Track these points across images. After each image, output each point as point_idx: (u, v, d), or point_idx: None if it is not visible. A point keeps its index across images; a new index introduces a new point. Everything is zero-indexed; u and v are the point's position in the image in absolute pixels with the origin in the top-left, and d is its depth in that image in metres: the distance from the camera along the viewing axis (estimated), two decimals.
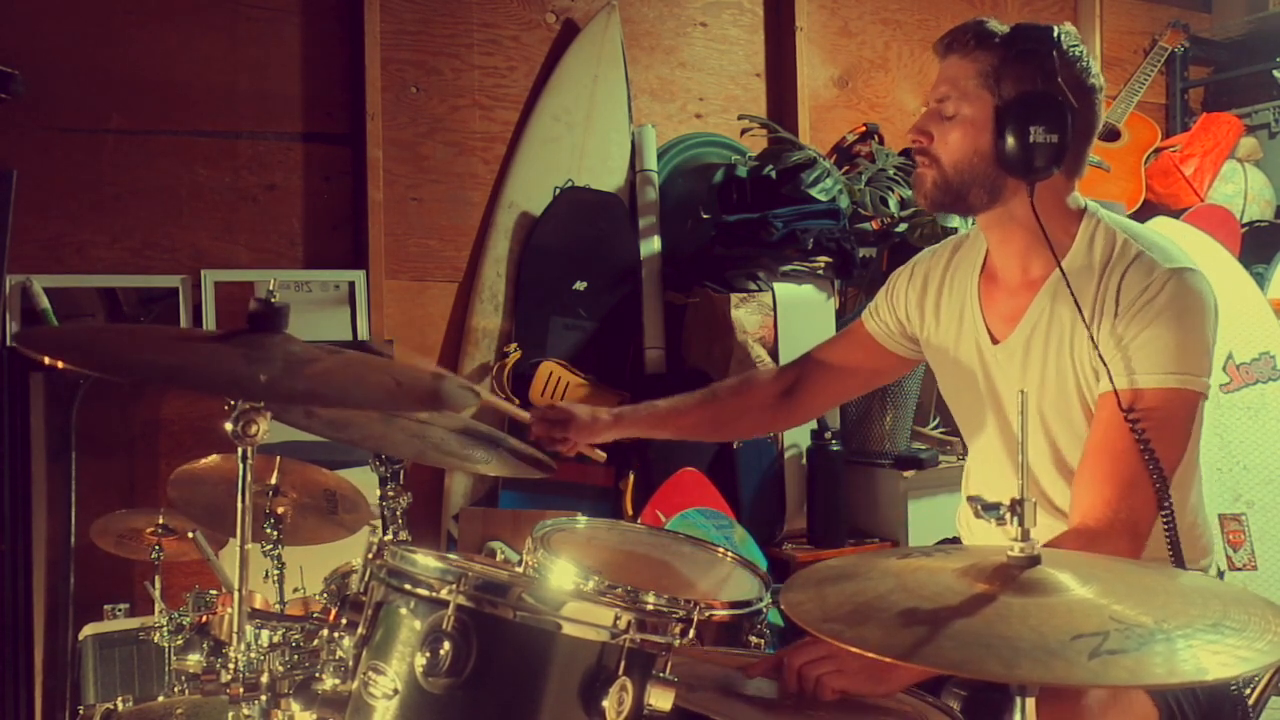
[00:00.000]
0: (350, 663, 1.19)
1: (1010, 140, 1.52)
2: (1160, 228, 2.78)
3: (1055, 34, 1.57)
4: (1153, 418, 1.45)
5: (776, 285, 3.06)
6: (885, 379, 2.08)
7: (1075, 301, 1.53)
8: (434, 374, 1.51)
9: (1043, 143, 1.51)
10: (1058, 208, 1.60)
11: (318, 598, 2.09)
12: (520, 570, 1.48)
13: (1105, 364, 1.49)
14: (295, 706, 1.28)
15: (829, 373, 1.96)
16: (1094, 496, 1.45)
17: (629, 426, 1.95)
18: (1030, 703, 1.01)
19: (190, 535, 2.13)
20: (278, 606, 2.07)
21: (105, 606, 2.55)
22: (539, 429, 1.90)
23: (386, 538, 1.23)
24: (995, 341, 1.67)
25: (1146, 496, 1.44)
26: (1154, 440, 1.44)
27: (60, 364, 1.12)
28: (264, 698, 1.32)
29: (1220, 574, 1.78)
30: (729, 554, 1.73)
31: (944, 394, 1.83)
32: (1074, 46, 1.57)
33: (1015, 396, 1.58)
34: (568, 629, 1.12)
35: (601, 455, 1.95)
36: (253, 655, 1.52)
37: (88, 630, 2.43)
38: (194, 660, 1.87)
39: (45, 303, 2.55)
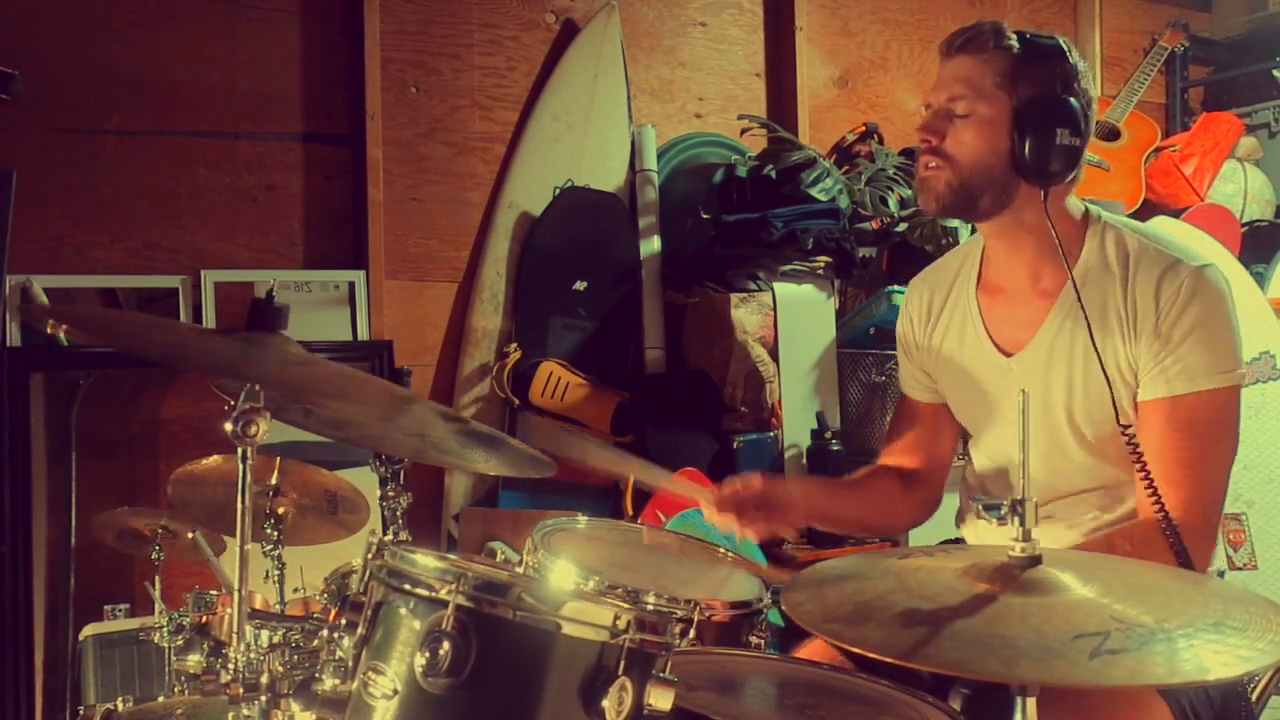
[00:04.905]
0: (350, 663, 1.18)
1: (1031, 143, 1.50)
2: (1160, 227, 2.78)
3: (1062, 41, 1.57)
4: (1211, 418, 1.50)
5: (776, 285, 3.05)
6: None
7: (1083, 310, 1.52)
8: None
9: (1066, 146, 1.50)
10: (1062, 214, 1.58)
11: (318, 598, 2.09)
12: (520, 570, 1.48)
13: (1153, 371, 1.51)
14: (295, 707, 1.28)
15: (918, 457, 1.85)
16: (1173, 500, 1.46)
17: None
18: (1030, 703, 1.01)
19: (191, 536, 2.13)
20: (278, 606, 2.07)
21: (105, 607, 2.55)
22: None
23: (386, 538, 1.22)
24: (1007, 354, 1.64)
25: (1218, 495, 1.51)
26: (1216, 440, 1.51)
27: (64, 329, 1.11)
28: (264, 698, 1.32)
29: (1220, 574, 1.79)
30: (729, 554, 1.73)
31: (955, 411, 1.79)
32: (1078, 56, 1.58)
33: (1039, 407, 1.59)
34: (567, 629, 1.11)
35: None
36: (253, 655, 1.51)
37: (88, 630, 2.43)
38: (194, 660, 1.87)
39: (45, 302, 2.54)
